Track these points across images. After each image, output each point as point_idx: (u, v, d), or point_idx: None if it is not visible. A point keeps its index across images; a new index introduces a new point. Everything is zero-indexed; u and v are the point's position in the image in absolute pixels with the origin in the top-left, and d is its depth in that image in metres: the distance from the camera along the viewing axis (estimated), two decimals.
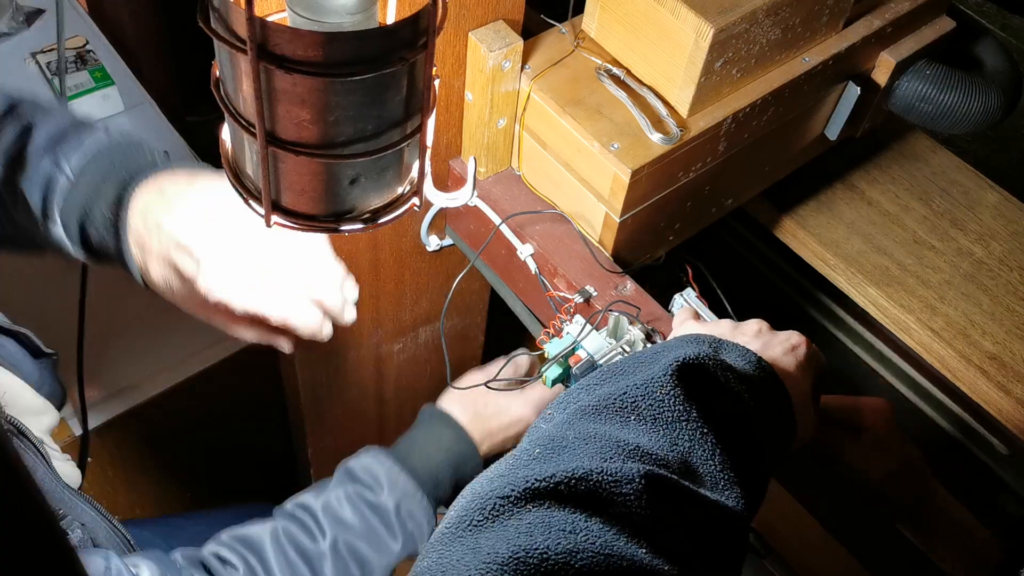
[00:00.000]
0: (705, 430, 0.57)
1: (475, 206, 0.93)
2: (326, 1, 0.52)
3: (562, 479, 0.50)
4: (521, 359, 0.96)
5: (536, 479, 0.50)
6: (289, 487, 1.31)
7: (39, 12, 1.70)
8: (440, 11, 0.53)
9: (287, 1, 0.53)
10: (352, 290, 0.79)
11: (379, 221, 0.60)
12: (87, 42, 1.65)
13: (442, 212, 1.00)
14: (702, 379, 0.59)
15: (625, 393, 0.58)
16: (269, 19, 0.51)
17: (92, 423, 1.14)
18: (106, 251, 0.76)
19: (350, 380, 1.16)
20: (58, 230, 0.75)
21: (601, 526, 0.48)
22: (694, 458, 0.56)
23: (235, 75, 0.54)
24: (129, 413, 1.23)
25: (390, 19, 0.62)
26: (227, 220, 0.73)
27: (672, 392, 0.57)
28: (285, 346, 0.81)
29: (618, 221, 0.87)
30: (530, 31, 0.90)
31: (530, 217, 0.92)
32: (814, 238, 1.14)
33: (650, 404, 0.57)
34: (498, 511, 0.50)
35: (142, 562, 0.71)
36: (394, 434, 1.35)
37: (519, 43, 0.84)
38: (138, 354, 1.25)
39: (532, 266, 0.90)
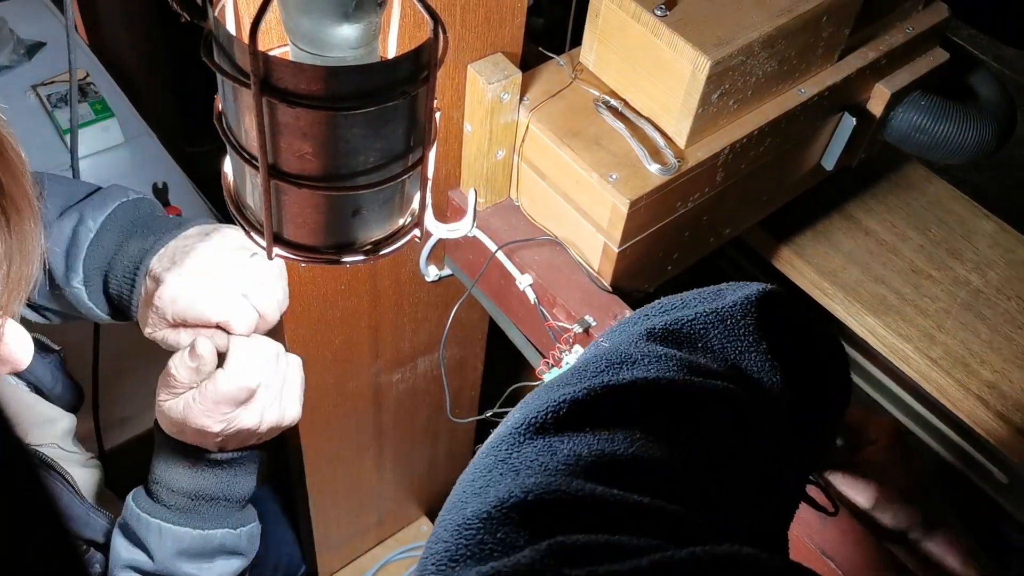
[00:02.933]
0: (774, 364, 0.53)
1: (474, 236, 0.93)
2: (328, 36, 0.52)
3: (641, 385, 0.48)
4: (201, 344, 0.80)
5: (610, 383, 0.47)
6: (291, 512, 1.30)
7: (40, 45, 1.71)
8: (441, 45, 0.53)
9: (289, 36, 0.54)
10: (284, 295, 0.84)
11: (381, 252, 0.60)
12: (88, 74, 1.66)
13: (441, 243, 1.01)
14: (779, 313, 0.56)
15: (694, 319, 0.55)
16: (271, 53, 0.52)
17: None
18: (121, 302, 0.83)
19: (348, 410, 1.16)
20: (78, 283, 0.82)
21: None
22: (761, 389, 0.53)
23: (238, 108, 0.54)
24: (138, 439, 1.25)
25: (391, 53, 0.63)
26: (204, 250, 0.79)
27: (744, 322, 0.54)
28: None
29: (617, 251, 0.87)
30: (528, 63, 0.90)
31: (529, 247, 0.93)
32: (812, 267, 1.15)
33: (720, 332, 0.54)
34: (570, 415, 0.46)
35: None
36: (392, 464, 1.35)
37: (518, 75, 0.85)
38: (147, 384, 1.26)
39: (531, 296, 0.91)
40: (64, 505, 0.81)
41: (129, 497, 0.84)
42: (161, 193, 1.58)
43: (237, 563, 0.87)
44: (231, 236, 0.81)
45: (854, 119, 1.00)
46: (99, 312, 0.85)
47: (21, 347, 0.63)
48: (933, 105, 1.02)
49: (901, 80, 1.02)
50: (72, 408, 0.93)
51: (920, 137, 1.03)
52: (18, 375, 0.84)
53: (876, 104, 1.02)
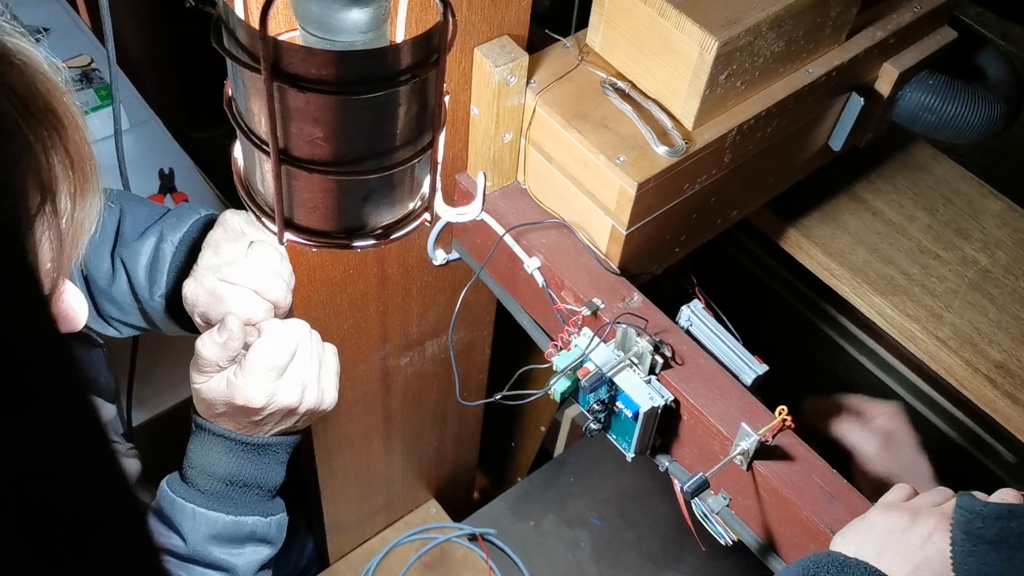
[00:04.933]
0: None
1: (481, 220, 0.93)
2: (338, 20, 0.52)
3: None
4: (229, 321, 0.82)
5: None
6: (299, 498, 1.31)
7: (44, 30, 1.71)
8: (451, 28, 0.53)
9: (299, 21, 0.54)
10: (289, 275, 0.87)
11: (391, 236, 0.60)
12: (92, 60, 1.66)
13: (448, 226, 1.01)
14: None
15: None
16: (281, 38, 0.52)
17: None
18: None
19: (357, 394, 1.16)
20: (160, 297, 0.88)
21: None
22: None
23: (248, 94, 0.54)
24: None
25: (399, 37, 0.62)
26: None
27: None
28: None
29: (624, 234, 0.87)
30: (534, 46, 0.90)
31: (536, 231, 0.93)
32: (819, 248, 1.15)
33: None
34: None
35: None
36: (400, 447, 1.35)
37: (524, 58, 0.85)
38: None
39: (539, 279, 0.91)
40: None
41: (164, 482, 0.86)
42: (167, 179, 1.58)
43: (266, 551, 0.88)
44: (231, 224, 0.84)
45: (862, 99, 1.00)
46: (175, 325, 0.91)
47: (79, 306, 0.66)
48: (941, 84, 1.02)
49: (909, 59, 1.02)
50: (111, 400, 0.96)
51: (928, 117, 1.03)
52: None
53: (884, 84, 1.02)
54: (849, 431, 0.99)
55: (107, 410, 0.91)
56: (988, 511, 0.57)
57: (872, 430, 0.98)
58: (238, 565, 0.86)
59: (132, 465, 0.95)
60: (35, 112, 0.52)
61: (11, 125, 0.51)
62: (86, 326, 0.92)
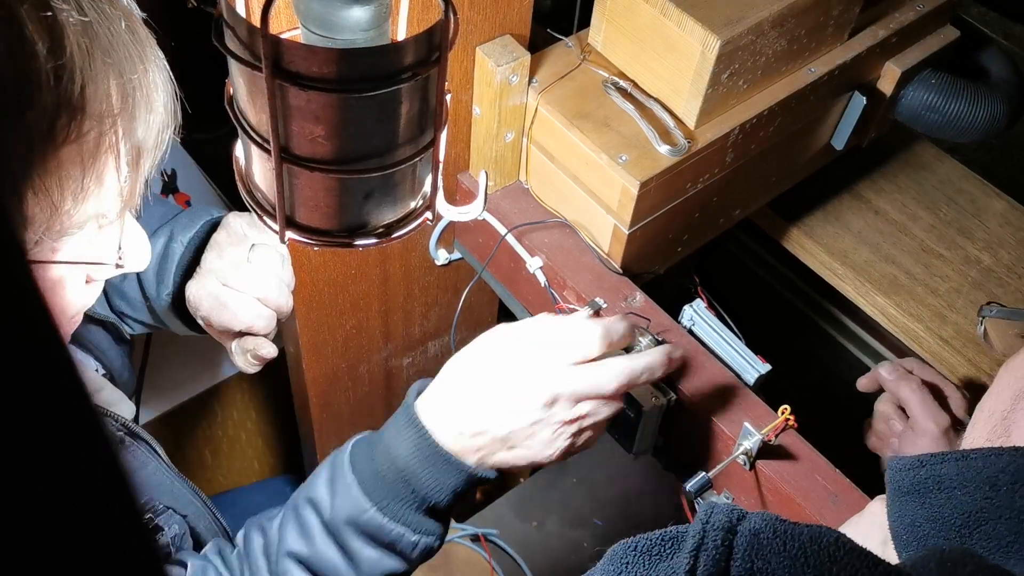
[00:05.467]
0: None
1: (483, 220, 0.93)
2: (340, 18, 0.52)
3: None
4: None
5: None
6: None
7: None
8: (452, 27, 0.53)
9: (300, 18, 0.54)
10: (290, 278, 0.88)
11: (393, 235, 0.60)
12: None
13: (451, 226, 1.01)
14: None
15: None
16: (282, 36, 0.52)
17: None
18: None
19: (360, 394, 1.16)
20: (167, 295, 0.88)
21: None
22: None
23: (249, 92, 0.54)
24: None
25: (400, 35, 0.62)
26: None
27: None
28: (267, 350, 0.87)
29: (627, 233, 0.87)
30: (536, 45, 0.90)
31: (538, 230, 0.93)
32: (822, 248, 1.14)
33: None
34: None
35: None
36: None
37: (526, 57, 0.85)
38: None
39: (541, 279, 0.91)
40: (150, 472, 0.83)
41: (350, 441, 0.78)
42: (169, 180, 1.58)
43: (394, 565, 0.75)
44: (234, 227, 0.85)
45: (864, 98, 1.00)
46: (181, 324, 0.91)
47: (142, 246, 0.65)
48: (943, 83, 1.02)
49: (911, 58, 1.01)
50: (130, 395, 0.96)
51: (930, 116, 1.03)
52: (96, 359, 0.88)
53: (886, 83, 1.02)
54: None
55: (127, 406, 0.92)
56: (902, 464, 0.58)
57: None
58: (363, 562, 0.74)
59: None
60: (120, 33, 0.52)
61: (101, 34, 0.50)
62: (114, 318, 0.94)
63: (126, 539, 0.27)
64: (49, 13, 0.49)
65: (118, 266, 0.64)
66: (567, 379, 0.70)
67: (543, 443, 0.71)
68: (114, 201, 0.57)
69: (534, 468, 0.75)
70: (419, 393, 0.75)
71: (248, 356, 0.86)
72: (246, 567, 0.76)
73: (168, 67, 0.60)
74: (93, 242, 0.60)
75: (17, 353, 0.22)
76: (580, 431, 0.72)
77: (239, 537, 0.80)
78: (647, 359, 0.73)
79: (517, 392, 0.70)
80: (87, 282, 0.63)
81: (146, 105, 0.57)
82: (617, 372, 0.71)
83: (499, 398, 0.70)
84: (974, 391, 1.05)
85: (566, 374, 0.70)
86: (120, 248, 0.63)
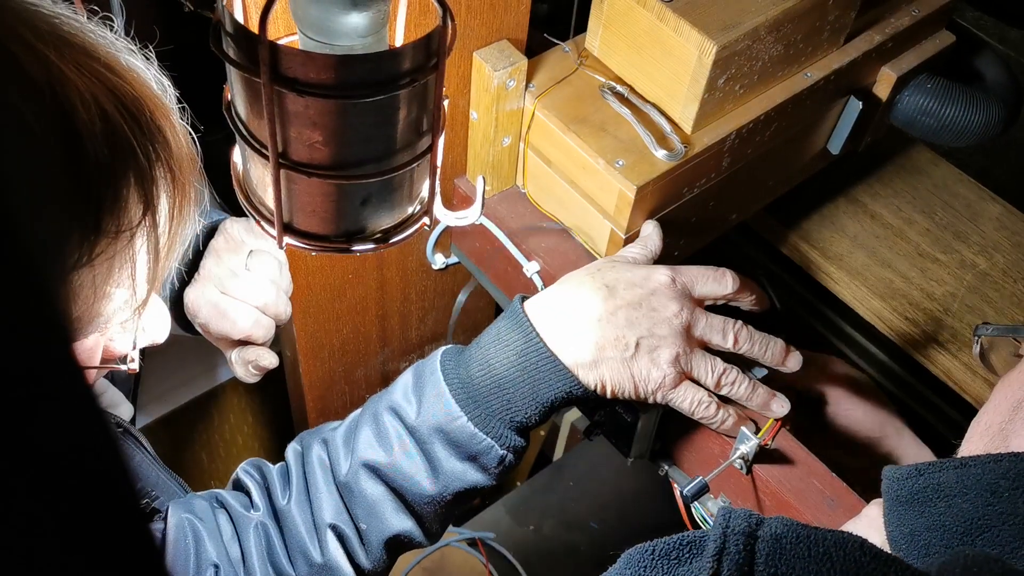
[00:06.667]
0: None
1: (480, 224, 0.93)
2: (337, 24, 0.52)
3: None
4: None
5: None
6: None
7: None
8: (450, 32, 0.53)
9: (298, 24, 0.54)
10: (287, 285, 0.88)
11: (391, 240, 0.60)
12: None
13: (447, 230, 1.01)
14: None
15: None
16: (280, 42, 0.52)
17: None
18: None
19: (357, 398, 1.16)
20: (163, 297, 0.86)
21: None
22: None
23: (247, 98, 0.54)
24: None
25: (398, 41, 0.62)
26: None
27: None
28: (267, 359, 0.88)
29: (623, 237, 0.87)
30: (533, 50, 0.90)
31: (536, 234, 0.93)
32: (818, 252, 1.15)
33: None
34: None
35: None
36: None
37: (523, 62, 0.85)
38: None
39: (538, 283, 0.91)
40: (137, 464, 0.84)
41: (436, 352, 0.76)
42: None
43: (477, 478, 0.74)
44: (232, 233, 0.85)
45: (860, 103, 1.00)
46: (179, 328, 0.90)
47: (162, 320, 0.69)
48: (939, 88, 1.02)
49: (907, 63, 1.02)
50: (129, 397, 0.97)
51: (926, 120, 1.03)
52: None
53: (882, 87, 1.02)
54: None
55: (126, 407, 0.92)
56: (899, 473, 0.58)
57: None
58: (445, 473, 0.74)
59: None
60: (143, 126, 0.54)
61: (121, 137, 0.53)
62: None
63: (126, 523, 0.27)
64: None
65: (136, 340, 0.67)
66: (690, 276, 0.81)
67: (656, 363, 0.74)
68: (142, 289, 0.60)
69: (629, 406, 0.78)
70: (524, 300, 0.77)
71: (249, 367, 0.86)
72: (300, 480, 0.78)
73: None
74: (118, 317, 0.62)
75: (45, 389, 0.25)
76: (691, 361, 0.77)
77: (289, 451, 0.81)
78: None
79: (643, 299, 0.75)
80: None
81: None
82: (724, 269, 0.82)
83: (627, 306, 0.74)
84: (973, 394, 1.05)
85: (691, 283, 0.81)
86: (140, 322, 0.65)
